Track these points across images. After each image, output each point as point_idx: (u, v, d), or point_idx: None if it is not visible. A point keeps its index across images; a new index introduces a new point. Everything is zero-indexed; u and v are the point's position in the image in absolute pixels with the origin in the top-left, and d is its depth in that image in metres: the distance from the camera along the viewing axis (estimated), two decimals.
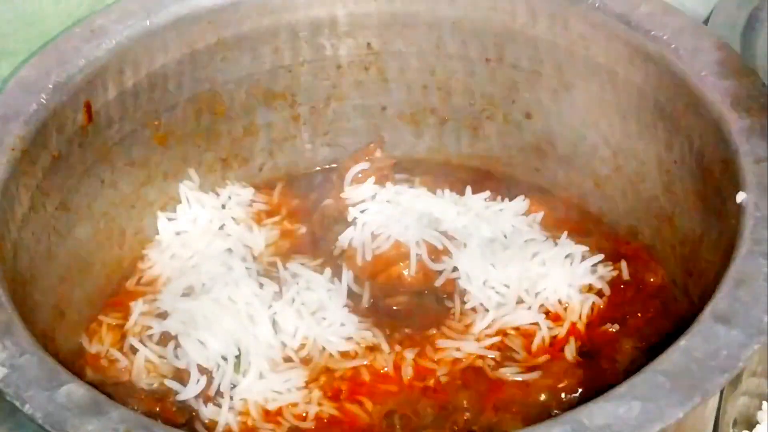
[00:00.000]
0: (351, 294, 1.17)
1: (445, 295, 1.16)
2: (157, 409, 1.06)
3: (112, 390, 1.04)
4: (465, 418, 1.07)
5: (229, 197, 1.28)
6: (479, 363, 1.11)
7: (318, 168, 1.34)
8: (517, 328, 1.12)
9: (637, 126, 1.18)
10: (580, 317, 1.13)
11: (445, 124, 1.32)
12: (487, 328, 1.12)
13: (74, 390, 0.87)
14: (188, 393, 1.07)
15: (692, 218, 1.12)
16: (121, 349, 1.11)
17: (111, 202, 1.21)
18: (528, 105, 1.27)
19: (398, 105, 1.32)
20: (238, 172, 1.31)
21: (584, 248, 1.16)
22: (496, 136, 1.30)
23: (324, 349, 1.12)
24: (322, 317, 1.14)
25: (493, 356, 1.11)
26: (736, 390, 1.11)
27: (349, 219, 1.20)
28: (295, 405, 1.08)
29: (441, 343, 1.12)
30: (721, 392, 1.07)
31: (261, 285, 1.15)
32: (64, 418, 0.85)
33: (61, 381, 0.88)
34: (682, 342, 0.88)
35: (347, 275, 1.17)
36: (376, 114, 1.32)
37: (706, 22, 1.36)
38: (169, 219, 1.26)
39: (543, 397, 1.07)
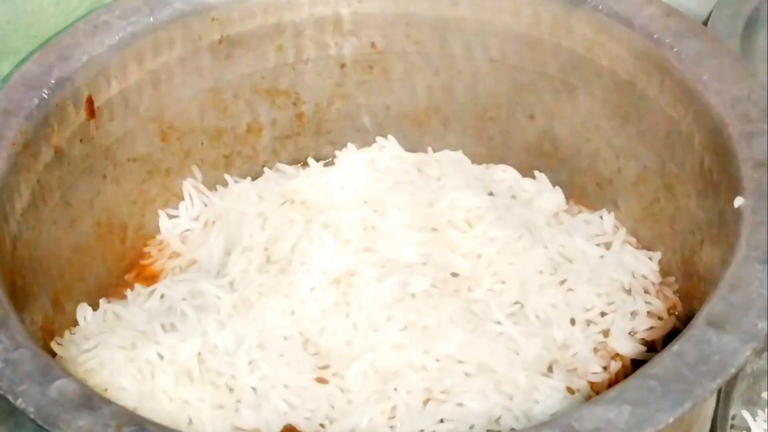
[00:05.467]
0: None
1: None
2: None
3: None
4: None
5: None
6: None
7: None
8: None
9: (639, 128, 1.18)
10: None
11: (449, 124, 1.32)
12: None
13: (67, 385, 0.87)
14: None
15: (692, 221, 1.12)
16: None
17: (112, 198, 1.21)
18: (531, 106, 1.27)
19: (402, 104, 1.32)
20: (241, 169, 1.31)
21: None
22: (500, 136, 1.30)
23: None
24: None
25: None
26: (733, 391, 1.11)
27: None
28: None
29: None
30: (719, 394, 1.08)
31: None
32: (56, 412, 0.85)
33: (54, 376, 0.88)
34: (675, 347, 0.88)
35: None
36: (380, 113, 1.32)
37: (705, 22, 1.36)
38: (171, 216, 1.27)
39: None
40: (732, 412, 1.10)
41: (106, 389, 1.03)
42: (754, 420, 1.09)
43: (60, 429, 0.85)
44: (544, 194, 1.25)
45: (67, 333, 1.12)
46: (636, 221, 1.22)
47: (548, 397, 1.04)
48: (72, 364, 1.05)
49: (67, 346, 1.09)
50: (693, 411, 0.86)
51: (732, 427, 1.09)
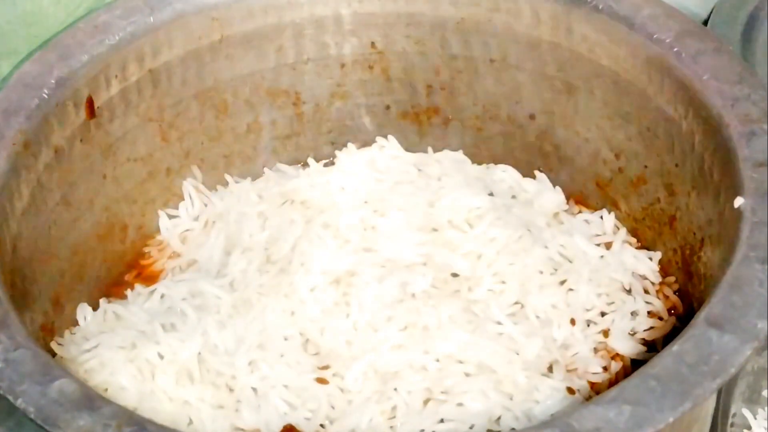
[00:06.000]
0: None
1: None
2: None
3: None
4: None
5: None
6: None
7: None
8: None
9: (639, 128, 1.18)
10: None
11: (449, 123, 1.32)
12: None
13: (67, 385, 0.87)
14: None
15: (692, 222, 1.12)
16: None
17: (113, 198, 1.21)
18: (531, 106, 1.27)
19: (402, 104, 1.32)
20: (241, 169, 1.31)
21: None
22: (500, 136, 1.30)
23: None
24: None
25: None
26: (734, 389, 1.11)
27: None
28: None
29: None
30: (719, 393, 1.08)
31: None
32: (56, 412, 0.85)
33: (54, 376, 0.88)
34: (675, 347, 0.88)
35: None
36: (380, 113, 1.32)
37: (705, 22, 1.36)
38: (171, 216, 1.27)
39: None
40: (732, 410, 1.10)
41: (106, 389, 1.03)
42: (755, 418, 1.10)
43: (60, 429, 0.85)
44: (544, 194, 1.25)
45: (67, 333, 1.12)
46: (636, 221, 1.22)
47: (548, 397, 1.04)
48: (72, 364, 1.05)
49: (67, 346, 1.09)
50: (693, 411, 0.85)
51: (732, 425, 1.10)
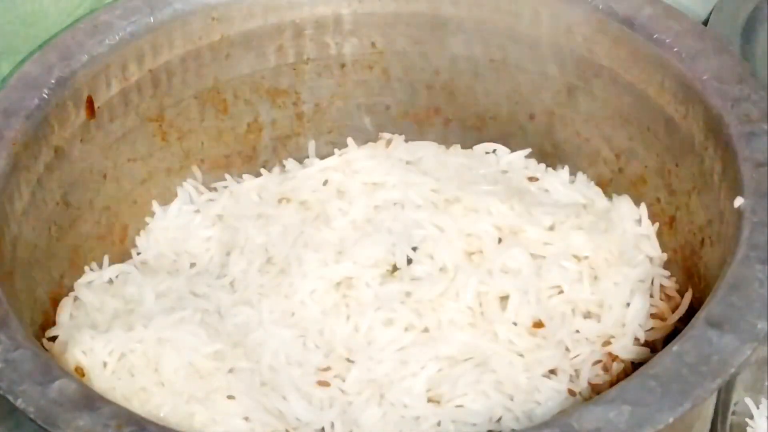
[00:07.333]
0: None
1: None
2: None
3: None
4: None
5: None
6: None
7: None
8: None
9: (639, 128, 1.18)
10: None
11: (449, 124, 1.32)
12: None
13: (66, 385, 0.87)
14: None
15: (692, 222, 1.12)
16: None
17: (113, 198, 1.21)
18: (532, 106, 1.27)
19: (402, 104, 1.32)
20: (241, 169, 1.31)
21: None
22: (500, 136, 1.30)
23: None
24: None
25: None
26: (736, 379, 1.11)
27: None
28: None
29: None
30: (719, 392, 1.08)
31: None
32: (55, 413, 0.86)
33: (54, 376, 0.88)
34: (675, 347, 0.88)
35: None
36: (380, 113, 1.32)
37: (705, 22, 1.36)
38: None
39: None
40: (734, 399, 1.10)
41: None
42: (757, 408, 1.10)
43: (60, 429, 0.85)
44: None
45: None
46: None
47: (549, 398, 1.04)
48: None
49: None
50: (693, 411, 0.86)
51: (734, 413, 1.10)
